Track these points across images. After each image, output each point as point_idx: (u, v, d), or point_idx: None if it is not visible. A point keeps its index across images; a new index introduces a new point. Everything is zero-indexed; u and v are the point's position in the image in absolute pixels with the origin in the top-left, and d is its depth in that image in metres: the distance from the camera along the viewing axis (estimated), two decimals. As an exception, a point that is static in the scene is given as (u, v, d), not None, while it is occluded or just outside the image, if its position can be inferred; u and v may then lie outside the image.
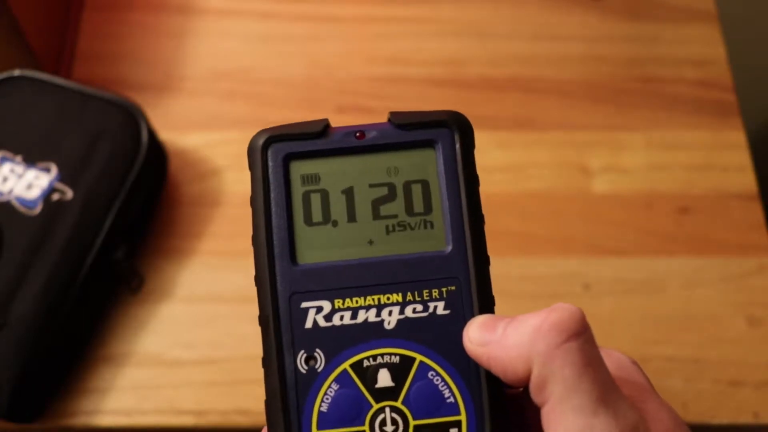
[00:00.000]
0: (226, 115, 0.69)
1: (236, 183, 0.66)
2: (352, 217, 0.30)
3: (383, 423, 0.28)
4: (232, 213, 0.64)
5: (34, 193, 0.58)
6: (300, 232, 0.30)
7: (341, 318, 0.29)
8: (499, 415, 0.29)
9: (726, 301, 0.62)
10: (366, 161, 0.31)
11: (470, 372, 0.29)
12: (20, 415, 0.55)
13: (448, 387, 0.29)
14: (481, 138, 0.32)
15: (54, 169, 0.59)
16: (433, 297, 0.29)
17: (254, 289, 0.68)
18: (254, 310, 0.66)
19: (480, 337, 0.28)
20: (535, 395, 0.27)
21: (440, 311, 0.29)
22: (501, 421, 0.29)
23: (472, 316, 0.29)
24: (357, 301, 0.29)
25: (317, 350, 0.29)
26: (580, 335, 0.26)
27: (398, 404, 0.28)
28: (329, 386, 0.29)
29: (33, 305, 0.55)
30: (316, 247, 0.30)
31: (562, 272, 0.63)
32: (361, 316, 0.29)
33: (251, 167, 0.31)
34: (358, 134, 0.30)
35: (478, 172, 0.31)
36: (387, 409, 0.28)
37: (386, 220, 0.30)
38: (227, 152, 0.67)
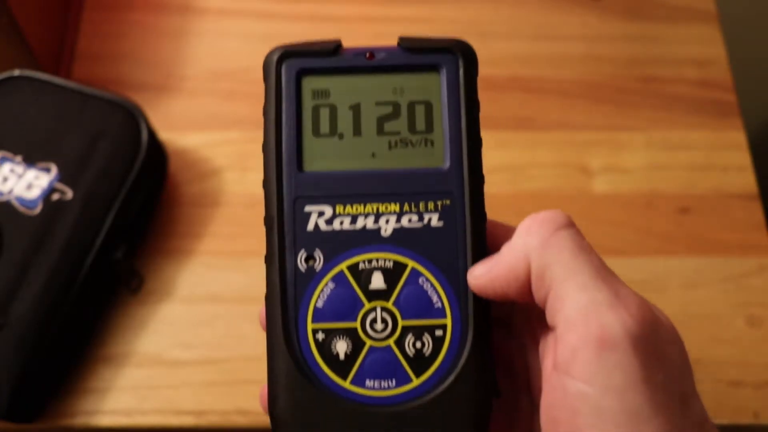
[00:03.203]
0: (226, 115, 0.69)
1: (236, 183, 0.66)
2: (357, 131, 0.32)
3: (374, 321, 0.30)
4: (232, 213, 0.64)
5: (34, 193, 0.58)
6: (308, 142, 0.32)
7: (341, 223, 0.31)
8: (482, 322, 0.30)
9: (726, 301, 0.62)
10: (374, 80, 0.32)
11: (459, 281, 0.30)
12: (20, 415, 0.55)
13: (437, 293, 0.31)
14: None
15: (54, 169, 0.59)
16: (429, 209, 0.31)
17: (254, 290, 0.69)
18: (254, 310, 0.66)
19: (481, 267, 0.30)
20: (537, 291, 0.28)
21: (434, 223, 0.31)
22: (483, 329, 0.30)
23: (465, 229, 0.31)
24: (357, 208, 0.31)
25: (317, 251, 0.31)
26: (569, 227, 0.28)
27: (389, 305, 0.30)
28: (326, 284, 0.30)
29: (33, 305, 0.55)
30: (322, 156, 0.31)
31: (562, 272, 0.63)
32: (360, 222, 0.31)
33: (266, 80, 0.32)
34: (368, 54, 0.32)
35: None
36: (378, 309, 0.30)
37: (389, 136, 0.32)
38: (227, 152, 0.67)
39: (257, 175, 0.68)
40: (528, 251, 0.28)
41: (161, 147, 0.63)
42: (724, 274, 0.63)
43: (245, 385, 0.58)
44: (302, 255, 0.30)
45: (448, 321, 0.30)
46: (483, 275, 0.29)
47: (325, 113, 0.32)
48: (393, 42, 0.33)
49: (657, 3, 0.76)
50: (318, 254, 0.30)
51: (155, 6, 0.74)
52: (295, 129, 0.31)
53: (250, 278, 0.62)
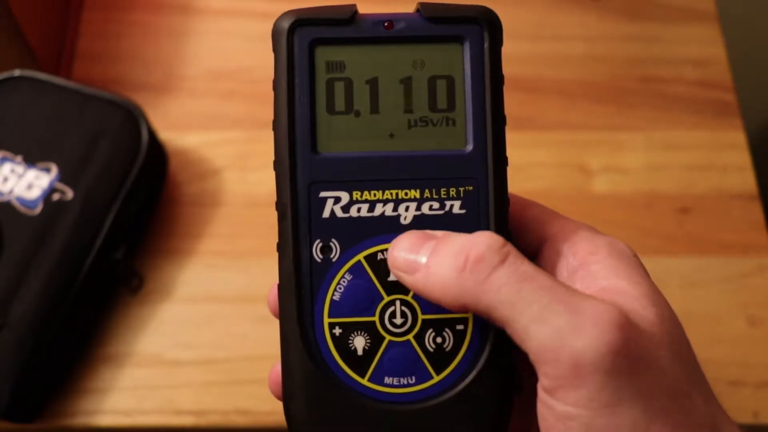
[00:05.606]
0: (226, 115, 0.69)
1: (236, 183, 0.66)
2: (375, 109, 0.30)
3: (393, 315, 0.29)
4: (232, 213, 0.64)
5: (34, 193, 0.58)
6: (322, 120, 0.30)
7: (358, 210, 0.29)
8: None
9: (726, 301, 0.62)
10: (392, 52, 0.30)
11: None
12: (20, 415, 0.55)
13: None
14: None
15: (54, 169, 0.59)
16: (450, 196, 0.29)
17: (254, 290, 0.69)
18: (254, 310, 0.66)
19: (405, 261, 0.28)
20: (489, 321, 0.26)
21: (456, 210, 0.29)
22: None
23: (488, 216, 0.29)
24: (375, 195, 0.29)
25: (333, 240, 0.29)
26: (504, 260, 0.26)
27: (408, 298, 0.29)
28: (343, 276, 0.29)
29: (33, 305, 0.55)
30: (338, 137, 0.30)
31: (562, 272, 0.63)
32: (378, 209, 0.29)
33: (275, 50, 0.30)
34: (386, 24, 0.30)
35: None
36: (397, 302, 0.29)
37: (409, 114, 0.30)
38: (227, 152, 0.67)
39: (257, 175, 0.69)
40: (460, 295, 0.26)
41: (161, 147, 0.63)
42: (724, 274, 0.63)
43: (245, 385, 0.58)
44: (318, 245, 0.29)
45: (469, 314, 0.29)
46: (405, 275, 0.28)
47: (340, 88, 0.30)
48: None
49: (657, 3, 0.76)
50: (334, 244, 0.29)
51: (155, 6, 0.74)
52: (308, 106, 0.29)
53: (250, 278, 0.62)
